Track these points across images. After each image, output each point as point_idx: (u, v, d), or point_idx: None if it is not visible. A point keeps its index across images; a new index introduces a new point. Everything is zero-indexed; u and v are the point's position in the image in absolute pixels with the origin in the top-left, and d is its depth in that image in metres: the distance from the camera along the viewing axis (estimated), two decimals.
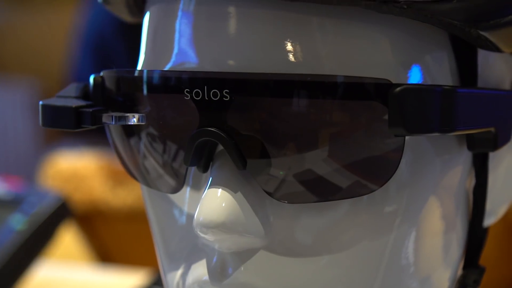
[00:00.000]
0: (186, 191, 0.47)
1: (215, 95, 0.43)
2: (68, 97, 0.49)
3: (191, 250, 0.47)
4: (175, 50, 0.46)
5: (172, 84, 0.44)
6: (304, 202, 0.44)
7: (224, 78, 0.43)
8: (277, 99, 0.43)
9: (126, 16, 0.53)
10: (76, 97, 0.49)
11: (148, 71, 0.46)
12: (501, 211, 0.51)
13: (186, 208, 0.47)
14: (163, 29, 0.47)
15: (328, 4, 0.42)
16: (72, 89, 0.50)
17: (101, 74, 0.49)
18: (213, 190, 0.44)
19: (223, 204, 0.43)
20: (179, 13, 0.46)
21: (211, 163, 0.45)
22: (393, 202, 0.45)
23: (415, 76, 0.44)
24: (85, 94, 0.49)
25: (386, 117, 0.42)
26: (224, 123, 0.43)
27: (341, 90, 0.42)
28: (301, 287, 0.45)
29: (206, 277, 0.46)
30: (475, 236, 0.49)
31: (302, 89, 0.42)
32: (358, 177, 0.43)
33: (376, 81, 0.42)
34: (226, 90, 0.43)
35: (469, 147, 0.47)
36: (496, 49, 0.45)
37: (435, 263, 0.48)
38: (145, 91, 0.46)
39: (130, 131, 0.48)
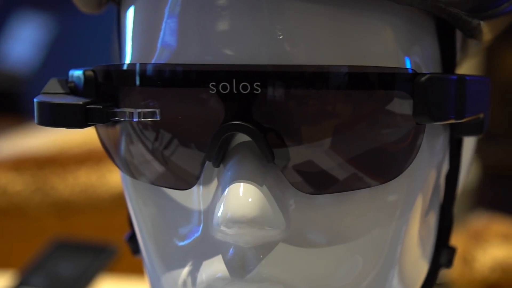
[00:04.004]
0: (197, 187, 0.46)
1: (244, 88, 0.42)
2: (57, 94, 0.46)
3: (198, 246, 0.46)
4: (172, 44, 0.44)
5: (195, 78, 0.43)
6: (331, 192, 0.44)
7: (256, 71, 0.42)
8: (309, 91, 0.42)
9: (89, 8, 0.51)
10: (66, 93, 0.46)
11: (161, 64, 0.44)
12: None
13: (194, 204, 0.46)
14: (154, 23, 0.45)
15: None
16: (55, 85, 0.47)
17: (92, 68, 0.46)
18: (237, 185, 0.43)
19: (250, 199, 0.42)
20: (171, 6, 0.45)
21: (224, 157, 0.44)
22: (395, 191, 0.46)
23: (414, 64, 0.45)
24: (70, 89, 0.47)
25: (409, 105, 0.43)
26: (252, 116, 0.43)
27: (373, 80, 0.42)
28: (321, 276, 0.45)
29: (221, 273, 0.44)
30: (446, 219, 0.51)
31: (335, 81, 0.42)
32: (382, 165, 0.44)
33: (402, 71, 0.43)
34: (257, 83, 0.42)
35: (458, 133, 0.49)
36: (480, 37, 0.48)
37: (420, 248, 0.49)
38: (156, 85, 0.44)
39: (133, 126, 0.46)
